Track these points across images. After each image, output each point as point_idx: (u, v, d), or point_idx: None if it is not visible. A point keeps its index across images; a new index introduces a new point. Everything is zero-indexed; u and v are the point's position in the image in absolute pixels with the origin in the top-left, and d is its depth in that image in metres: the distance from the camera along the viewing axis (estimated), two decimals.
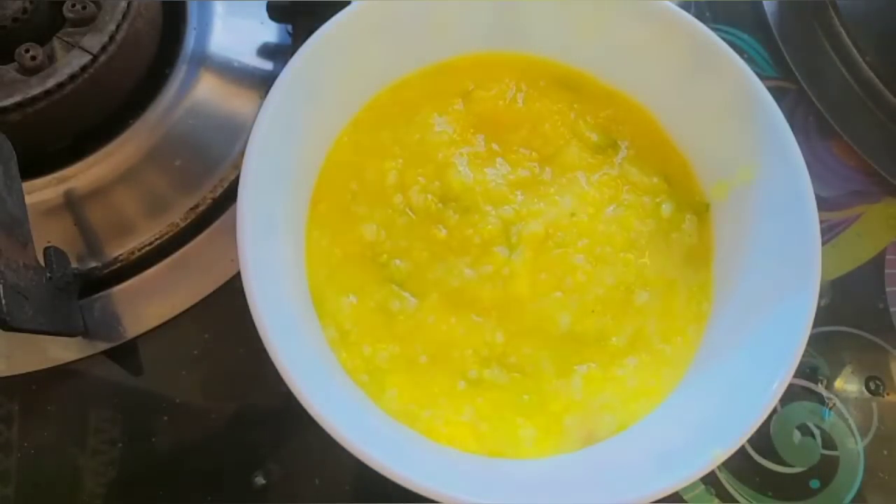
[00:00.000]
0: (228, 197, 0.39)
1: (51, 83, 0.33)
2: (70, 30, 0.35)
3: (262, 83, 0.41)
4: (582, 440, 0.31)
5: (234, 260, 0.37)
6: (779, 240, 0.32)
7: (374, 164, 0.34)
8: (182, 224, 0.38)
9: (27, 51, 0.33)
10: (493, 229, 0.33)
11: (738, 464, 0.38)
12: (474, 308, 0.32)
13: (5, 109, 0.33)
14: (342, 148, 0.35)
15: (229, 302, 0.38)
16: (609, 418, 0.32)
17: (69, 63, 0.34)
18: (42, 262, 0.34)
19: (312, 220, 0.33)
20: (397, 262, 0.33)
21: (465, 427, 0.31)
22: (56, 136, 0.37)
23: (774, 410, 0.38)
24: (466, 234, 0.33)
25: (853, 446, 0.39)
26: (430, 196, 0.34)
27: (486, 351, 0.32)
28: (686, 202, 0.36)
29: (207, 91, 0.40)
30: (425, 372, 0.32)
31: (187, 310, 0.37)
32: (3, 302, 0.28)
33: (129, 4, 0.35)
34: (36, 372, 0.36)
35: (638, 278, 0.34)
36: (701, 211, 0.36)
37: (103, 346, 0.36)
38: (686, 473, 0.28)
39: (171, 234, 0.38)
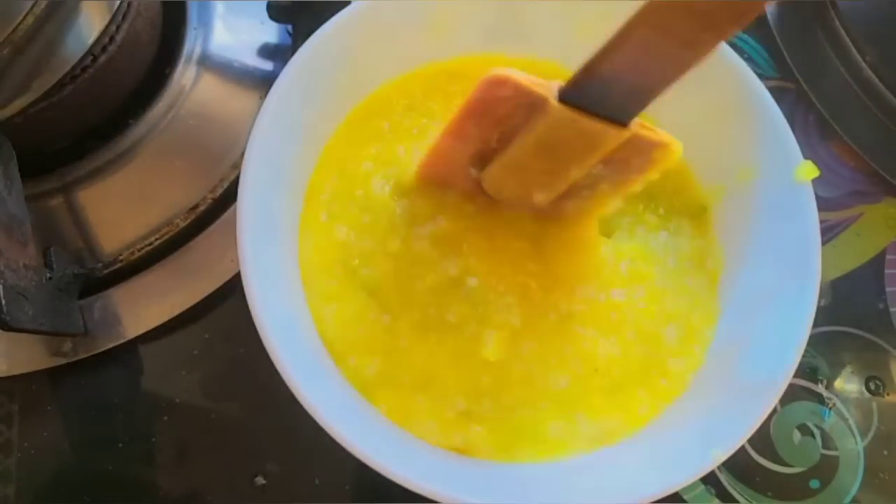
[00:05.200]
0: (228, 197, 0.39)
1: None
2: None
3: (262, 83, 0.41)
4: (586, 453, 0.31)
5: (234, 260, 0.37)
6: (779, 240, 0.32)
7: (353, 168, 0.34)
8: (182, 224, 0.38)
9: None
10: (442, 278, 0.31)
11: (739, 464, 0.38)
12: (451, 343, 0.31)
13: None
14: (331, 150, 0.34)
15: (229, 302, 0.38)
16: (615, 438, 0.31)
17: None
18: (42, 263, 0.34)
19: (303, 223, 0.33)
20: (365, 271, 0.32)
21: (460, 448, 0.30)
22: (56, 136, 0.37)
23: (774, 410, 0.38)
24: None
25: (853, 446, 0.39)
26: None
27: (472, 387, 0.30)
28: (695, 206, 0.36)
29: (207, 91, 0.40)
30: (411, 395, 0.30)
31: (187, 310, 0.37)
32: (3, 302, 0.28)
33: (129, 4, 0.35)
34: (36, 372, 0.36)
35: (662, 320, 0.33)
36: (700, 214, 0.36)
37: (103, 346, 0.36)
38: (686, 473, 0.28)
39: (171, 234, 0.38)
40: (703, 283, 0.34)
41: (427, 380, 0.31)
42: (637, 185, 0.30)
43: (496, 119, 0.28)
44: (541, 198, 0.30)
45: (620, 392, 0.32)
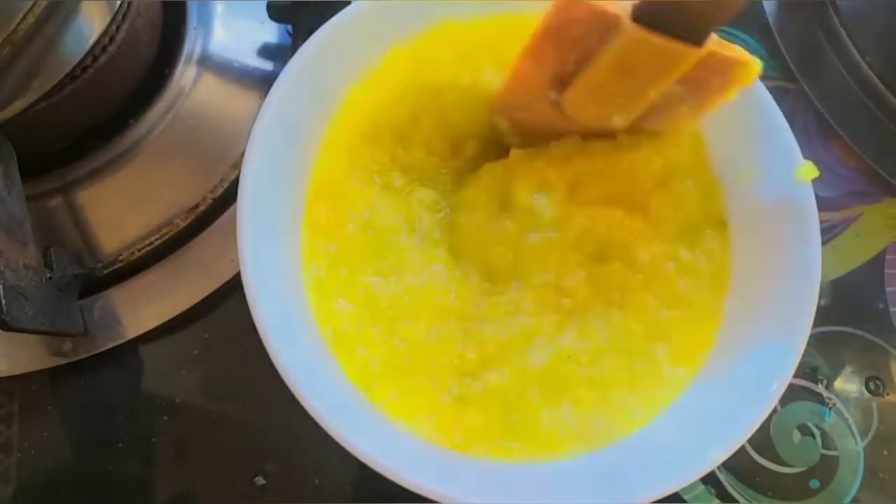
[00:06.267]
0: (228, 197, 0.39)
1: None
2: None
3: (262, 83, 0.41)
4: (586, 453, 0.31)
5: (234, 260, 0.37)
6: (779, 240, 0.32)
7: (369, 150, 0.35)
8: (182, 224, 0.38)
9: None
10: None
11: (739, 464, 0.38)
12: (435, 314, 0.32)
13: None
14: (331, 149, 0.34)
15: (229, 302, 0.38)
16: (610, 437, 0.31)
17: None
18: (42, 263, 0.34)
19: (307, 219, 0.33)
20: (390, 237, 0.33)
21: (459, 444, 0.30)
22: (56, 136, 0.37)
23: (774, 410, 0.38)
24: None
25: (853, 446, 0.39)
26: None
27: (460, 363, 0.31)
28: (715, 219, 0.35)
29: (207, 91, 0.40)
30: (410, 379, 0.31)
31: (187, 310, 0.37)
32: (3, 302, 0.28)
33: (129, 4, 0.35)
34: (36, 372, 0.36)
35: (656, 338, 0.32)
36: (720, 227, 0.35)
37: (103, 346, 0.36)
38: (686, 474, 0.28)
39: (171, 234, 0.38)
40: (711, 293, 0.34)
41: (424, 358, 0.31)
42: (717, 106, 0.30)
43: (571, 41, 0.28)
44: (619, 120, 0.30)
45: (606, 390, 0.31)
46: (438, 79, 0.36)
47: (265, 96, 0.31)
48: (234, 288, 0.38)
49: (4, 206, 0.31)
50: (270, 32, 0.43)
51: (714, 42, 0.27)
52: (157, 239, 0.38)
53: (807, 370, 0.40)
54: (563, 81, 0.30)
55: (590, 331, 0.32)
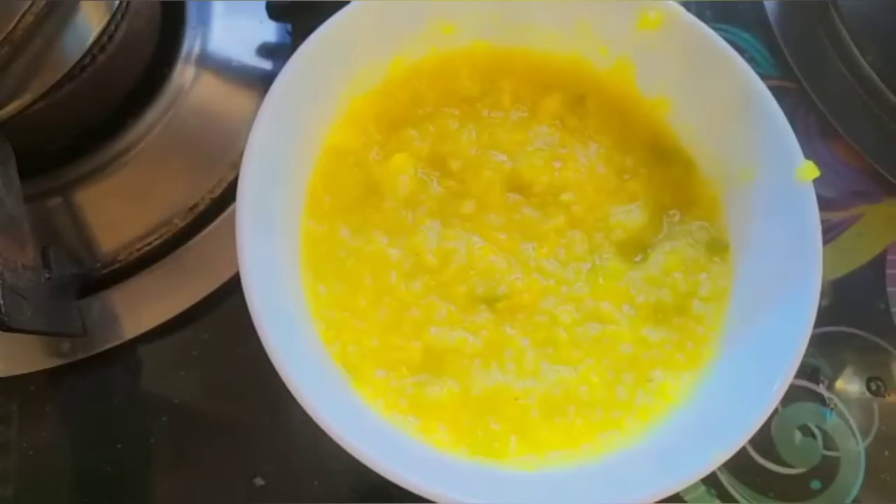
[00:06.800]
0: (228, 197, 0.39)
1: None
2: None
3: (262, 82, 0.41)
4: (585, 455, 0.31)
5: (234, 260, 0.36)
6: (779, 240, 0.32)
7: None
8: (181, 224, 0.38)
9: None
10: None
11: (740, 464, 0.38)
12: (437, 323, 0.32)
13: None
14: (331, 149, 0.34)
15: (228, 302, 0.38)
16: (611, 441, 0.31)
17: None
18: (41, 263, 0.34)
19: (307, 219, 0.33)
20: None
21: (462, 450, 0.30)
22: (55, 136, 0.37)
23: (776, 411, 0.38)
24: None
25: (854, 447, 0.39)
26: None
27: (467, 365, 0.32)
28: (718, 243, 0.35)
29: (207, 91, 0.40)
30: (411, 381, 0.31)
31: (186, 310, 0.37)
32: (2, 303, 0.28)
33: (127, 3, 0.35)
34: (36, 372, 0.36)
35: (651, 363, 0.33)
36: (722, 251, 0.35)
37: (102, 346, 0.36)
38: (687, 474, 0.28)
39: (170, 234, 0.38)
40: (714, 311, 0.34)
41: (426, 363, 0.31)
42: None
43: None
44: None
45: (595, 409, 0.32)
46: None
47: (264, 96, 0.31)
48: (233, 288, 0.38)
49: (3, 206, 0.30)
50: (269, 32, 0.43)
51: None
52: (155, 239, 0.37)
53: (808, 371, 0.40)
54: None
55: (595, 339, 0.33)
